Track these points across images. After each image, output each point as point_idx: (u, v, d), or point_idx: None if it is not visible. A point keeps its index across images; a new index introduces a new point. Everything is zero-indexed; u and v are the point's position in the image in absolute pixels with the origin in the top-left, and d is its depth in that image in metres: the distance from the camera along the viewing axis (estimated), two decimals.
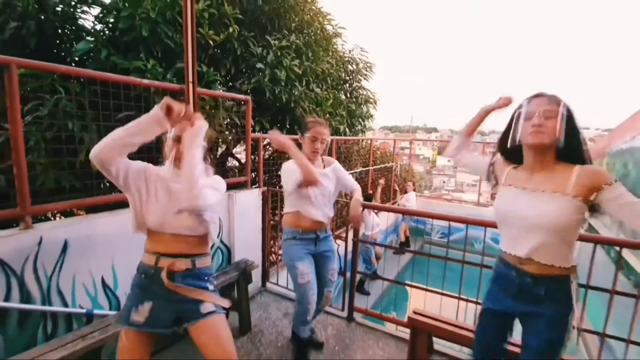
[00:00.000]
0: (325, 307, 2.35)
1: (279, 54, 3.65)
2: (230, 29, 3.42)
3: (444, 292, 2.48)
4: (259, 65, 3.54)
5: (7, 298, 1.61)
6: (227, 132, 3.35)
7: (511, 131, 1.23)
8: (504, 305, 1.31)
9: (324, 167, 2.11)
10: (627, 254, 3.56)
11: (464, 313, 2.43)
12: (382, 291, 5.98)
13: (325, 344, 2.45)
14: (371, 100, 6.33)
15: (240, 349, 2.36)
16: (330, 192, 2.10)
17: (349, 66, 6.20)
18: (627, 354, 1.81)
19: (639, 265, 3.31)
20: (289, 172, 1.91)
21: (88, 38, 2.54)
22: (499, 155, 1.37)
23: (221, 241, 2.79)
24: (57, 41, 2.72)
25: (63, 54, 2.68)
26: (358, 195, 2.10)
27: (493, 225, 1.61)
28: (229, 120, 3.40)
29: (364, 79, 6.36)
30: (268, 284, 3.29)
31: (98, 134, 2.33)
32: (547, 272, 1.19)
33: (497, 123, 1.45)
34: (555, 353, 1.21)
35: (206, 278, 1.42)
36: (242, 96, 2.99)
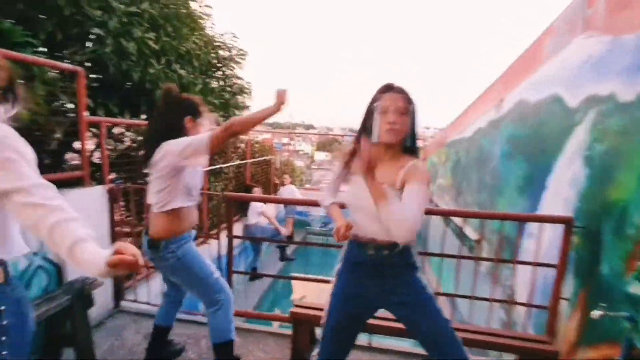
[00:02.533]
0: None
1: (126, 20, 2.97)
2: None
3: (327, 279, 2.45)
4: (97, 30, 2.80)
5: None
6: (50, 115, 2.55)
7: (372, 127, 1.20)
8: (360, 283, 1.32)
9: None
10: (463, 225, 4.33)
11: None
12: (264, 291, 5.85)
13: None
14: (246, 90, 6.02)
15: None
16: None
17: (221, 52, 5.73)
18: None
19: (473, 233, 4.07)
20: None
21: None
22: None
23: (44, 257, 2.06)
24: None
25: None
26: None
27: None
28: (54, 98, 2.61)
29: (238, 67, 6.00)
30: (123, 303, 2.67)
31: None
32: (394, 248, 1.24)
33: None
34: None
35: None
36: (68, 66, 2.29)
